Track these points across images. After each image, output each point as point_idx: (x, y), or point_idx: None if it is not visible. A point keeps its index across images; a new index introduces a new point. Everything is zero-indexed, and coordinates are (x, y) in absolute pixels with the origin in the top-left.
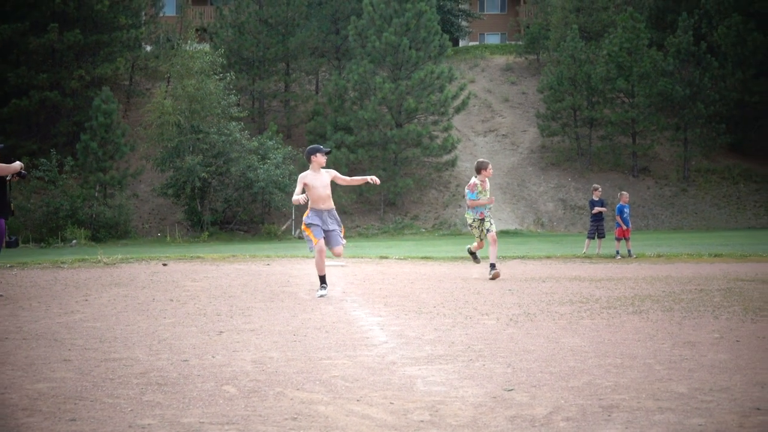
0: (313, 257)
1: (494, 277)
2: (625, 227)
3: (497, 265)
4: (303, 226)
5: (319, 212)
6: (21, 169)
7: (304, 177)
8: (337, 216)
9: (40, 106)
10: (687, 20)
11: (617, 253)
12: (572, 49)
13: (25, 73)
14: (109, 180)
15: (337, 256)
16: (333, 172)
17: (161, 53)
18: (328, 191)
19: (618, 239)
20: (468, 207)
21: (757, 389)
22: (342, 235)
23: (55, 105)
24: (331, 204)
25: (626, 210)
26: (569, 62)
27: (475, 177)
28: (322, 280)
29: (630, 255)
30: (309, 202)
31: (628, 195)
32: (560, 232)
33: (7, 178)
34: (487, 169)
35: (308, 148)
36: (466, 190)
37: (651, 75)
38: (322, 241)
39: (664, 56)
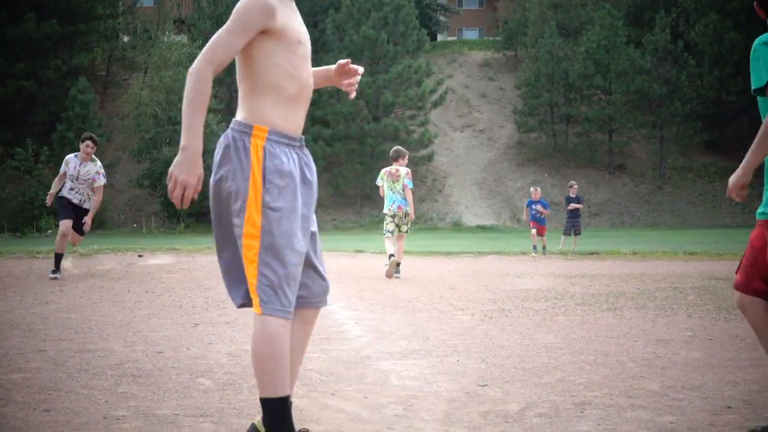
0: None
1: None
2: (539, 224)
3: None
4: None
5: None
6: None
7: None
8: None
9: (17, 96)
10: (664, 18)
11: (534, 248)
12: (550, 46)
13: (1, 62)
14: None
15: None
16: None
17: (139, 44)
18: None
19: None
20: (403, 197)
21: (728, 388)
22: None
23: (31, 94)
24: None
25: (535, 207)
26: (547, 59)
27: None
28: None
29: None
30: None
31: (539, 192)
32: None
33: None
34: (405, 158)
35: None
36: (407, 180)
37: (628, 72)
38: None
39: (641, 54)
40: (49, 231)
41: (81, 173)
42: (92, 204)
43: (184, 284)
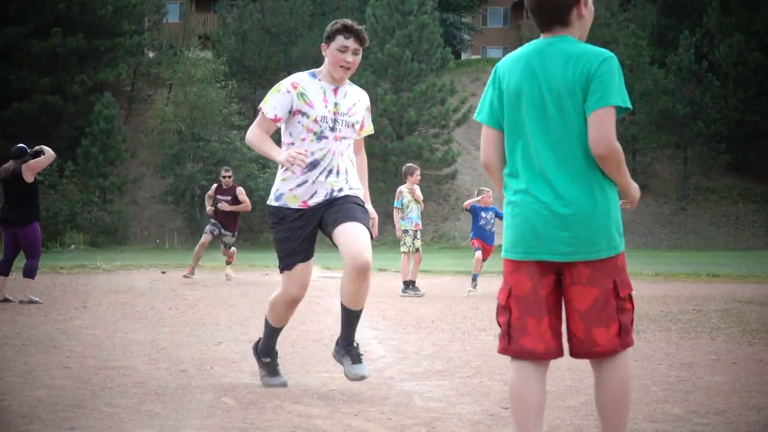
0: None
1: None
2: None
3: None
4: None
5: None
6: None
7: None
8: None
9: (42, 110)
10: (689, 38)
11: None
12: None
13: (27, 76)
14: (109, 186)
15: None
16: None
17: (164, 60)
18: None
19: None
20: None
21: (752, 413)
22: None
23: (56, 109)
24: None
25: (484, 215)
26: None
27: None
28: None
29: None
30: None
31: (489, 195)
32: None
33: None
34: (413, 175)
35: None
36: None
37: (652, 92)
38: None
39: (665, 74)
40: (73, 246)
41: (341, 109)
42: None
43: (207, 301)
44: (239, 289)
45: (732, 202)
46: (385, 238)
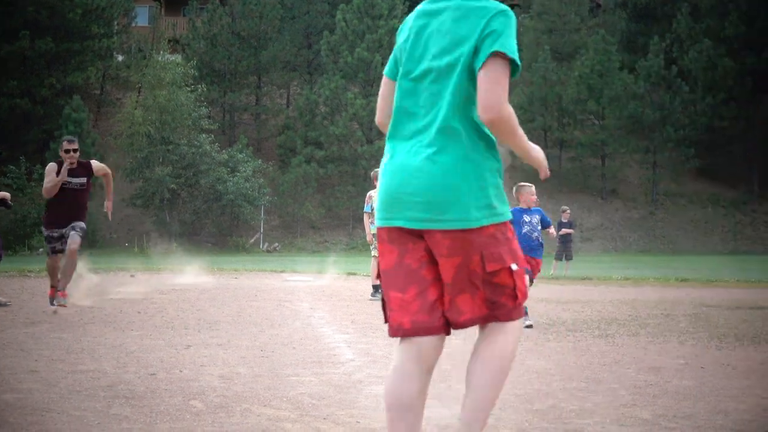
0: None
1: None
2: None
3: None
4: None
5: None
6: (7, 200)
7: None
8: None
9: (10, 114)
10: (658, 44)
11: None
12: (543, 70)
13: None
14: None
15: None
16: None
17: (133, 63)
18: None
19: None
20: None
21: (720, 417)
22: None
23: (25, 112)
24: None
25: (528, 218)
26: (540, 83)
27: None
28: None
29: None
30: None
31: (532, 189)
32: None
33: None
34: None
35: None
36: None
37: (621, 98)
38: None
39: (634, 79)
40: (41, 249)
41: None
42: None
43: (176, 305)
44: (208, 292)
45: (701, 207)
46: (354, 242)
